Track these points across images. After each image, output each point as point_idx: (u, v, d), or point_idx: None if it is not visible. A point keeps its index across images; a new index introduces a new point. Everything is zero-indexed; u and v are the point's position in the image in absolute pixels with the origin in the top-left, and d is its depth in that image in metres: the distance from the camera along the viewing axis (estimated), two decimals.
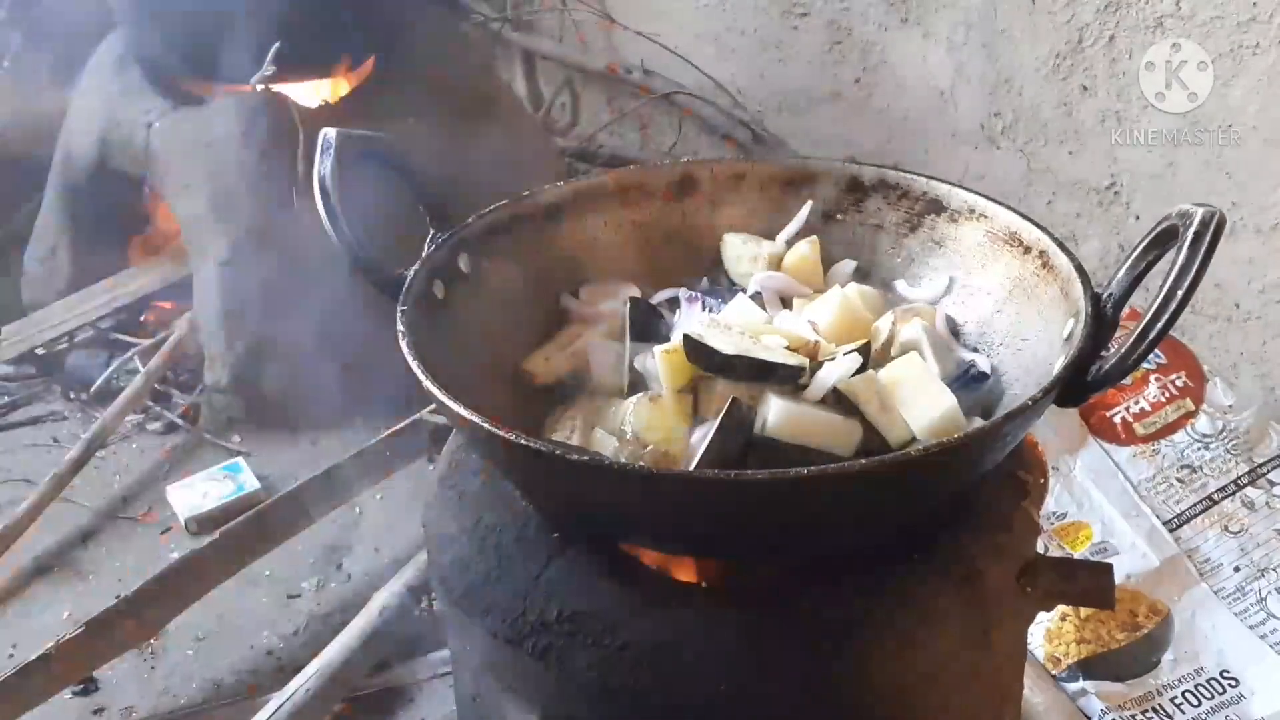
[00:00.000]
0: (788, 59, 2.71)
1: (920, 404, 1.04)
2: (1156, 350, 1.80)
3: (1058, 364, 1.01)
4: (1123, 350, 0.97)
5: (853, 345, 1.08)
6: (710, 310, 1.20)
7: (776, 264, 1.26)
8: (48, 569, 2.10)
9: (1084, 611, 1.69)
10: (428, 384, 1.00)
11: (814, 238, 1.26)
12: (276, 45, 2.26)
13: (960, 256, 1.22)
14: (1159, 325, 0.94)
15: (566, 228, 1.28)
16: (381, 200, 1.29)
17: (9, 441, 2.42)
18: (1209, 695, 1.64)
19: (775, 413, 1.01)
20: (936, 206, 1.25)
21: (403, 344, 1.04)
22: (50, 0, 2.89)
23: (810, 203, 1.28)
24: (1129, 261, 1.04)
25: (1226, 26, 1.84)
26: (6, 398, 2.52)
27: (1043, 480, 1.19)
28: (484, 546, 1.11)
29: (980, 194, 1.22)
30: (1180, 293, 0.94)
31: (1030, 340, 1.13)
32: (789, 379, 1.04)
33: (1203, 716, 1.63)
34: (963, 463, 0.99)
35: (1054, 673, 1.67)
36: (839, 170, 1.30)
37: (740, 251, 1.28)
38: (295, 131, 2.26)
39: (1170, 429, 1.85)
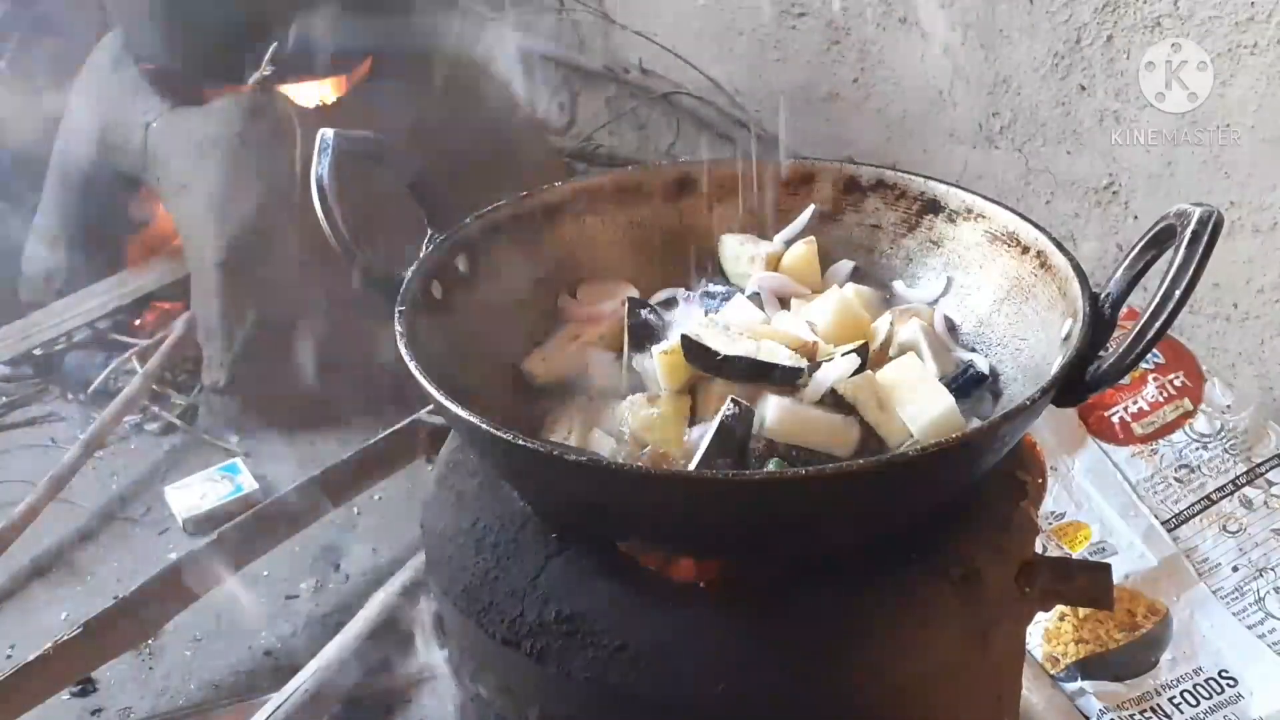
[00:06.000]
0: (786, 59, 2.71)
1: (918, 404, 1.04)
2: (1155, 350, 1.80)
3: (1056, 364, 1.01)
4: (1121, 350, 0.96)
5: (851, 346, 1.08)
6: (708, 310, 1.19)
7: (774, 264, 1.26)
8: (46, 570, 2.10)
9: (1082, 611, 1.69)
10: (425, 385, 0.99)
11: (811, 238, 1.26)
12: (274, 45, 2.26)
13: (958, 256, 1.22)
14: (1157, 325, 0.94)
15: (565, 228, 1.28)
16: (379, 201, 1.29)
17: (6, 442, 2.42)
18: (1207, 695, 1.64)
19: (773, 413, 1.01)
20: (934, 206, 1.25)
21: (400, 345, 1.04)
22: (48, 0, 2.90)
23: (812, 206, 1.28)
24: (1127, 261, 1.04)
25: (1224, 26, 1.84)
26: (4, 398, 2.52)
27: (1041, 480, 1.18)
28: (481, 547, 1.11)
29: (978, 194, 1.22)
30: (1178, 292, 0.93)
31: (1028, 340, 1.13)
32: (787, 379, 1.04)
33: (1201, 716, 1.63)
34: (961, 463, 0.99)
35: (1052, 673, 1.67)
36: (837, 170, 1.30)
37: (738, 251, 1.28)
38: (292, 132, 2.26)
39: (1168, 429, 1.85)
